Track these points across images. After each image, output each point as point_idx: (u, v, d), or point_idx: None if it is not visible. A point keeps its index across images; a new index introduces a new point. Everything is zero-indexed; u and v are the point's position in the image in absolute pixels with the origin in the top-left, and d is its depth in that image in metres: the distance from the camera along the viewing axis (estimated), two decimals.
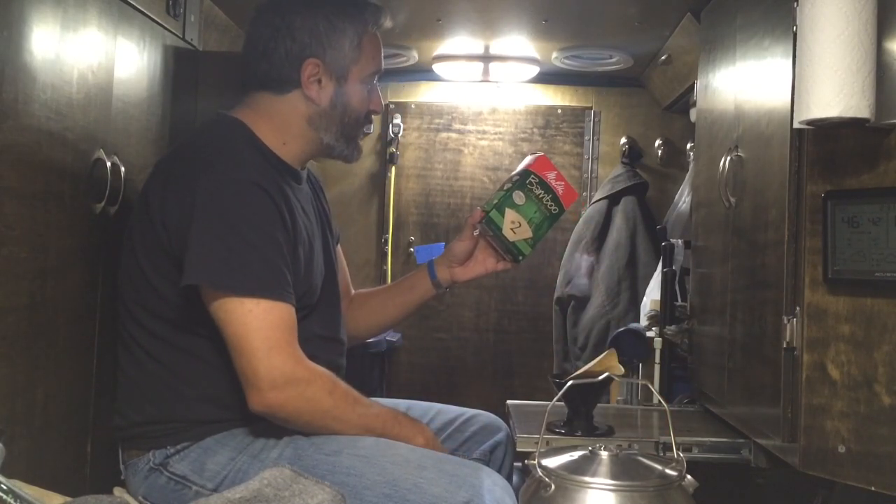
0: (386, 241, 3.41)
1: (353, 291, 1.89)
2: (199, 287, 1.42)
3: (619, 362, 1.78)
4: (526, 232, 1.76)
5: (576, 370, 1.88)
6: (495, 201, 1.76)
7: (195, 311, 1.45)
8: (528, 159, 1.83)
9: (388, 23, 1.67)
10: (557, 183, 1.79)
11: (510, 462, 1.77)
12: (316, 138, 1.62)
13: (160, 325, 1.50)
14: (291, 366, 1.41)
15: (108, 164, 1.55)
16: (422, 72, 3.21)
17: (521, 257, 1.78)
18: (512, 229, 1.75)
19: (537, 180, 1.78)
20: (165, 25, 1.86)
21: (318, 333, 1.59)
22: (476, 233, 1.80)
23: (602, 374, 1.65)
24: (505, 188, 1.78)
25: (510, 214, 1.75)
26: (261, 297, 1.40)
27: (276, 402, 1.40)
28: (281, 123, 1.59)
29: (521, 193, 1.77)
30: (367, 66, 1.62)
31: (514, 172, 1.83)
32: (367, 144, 3.43)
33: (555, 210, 1.79)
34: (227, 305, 1.40)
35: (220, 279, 1.40)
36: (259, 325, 1.39)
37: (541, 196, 1.77)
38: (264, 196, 1.46)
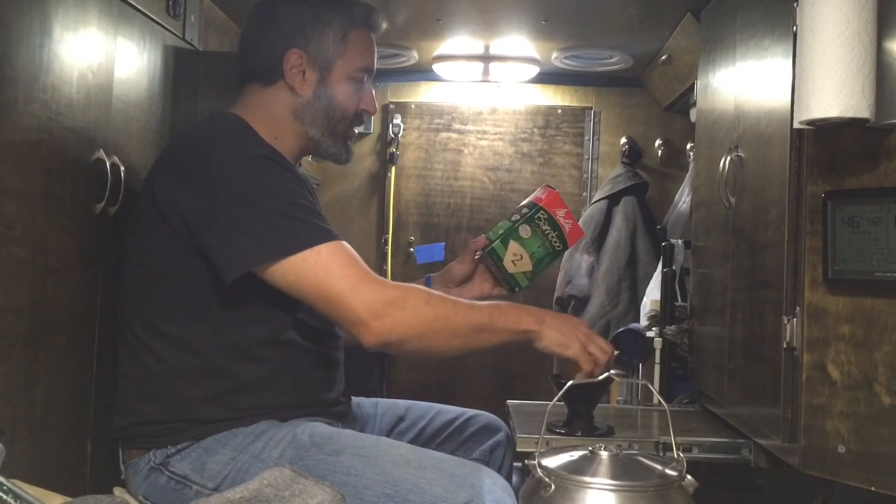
0: (386, 241, 3.41)
1: None
2: (254, 271, 1.42)
3: (619, 362, 1.78)
4: (526, 265, 1.78)
5: None
6: (501, 232, 1.77)
7: (206, 306, 1.45)
8: (538, 192, 1.84)
9: (382, 24, 1.68)
10: (566, 221, 1.80)
11: (510, 462, 1.77)
12: (303, 132, 1.63)
13: (165, 323, 1.50)
14: (381, 289, 1.42)
15: (108, 164, 1.55)
16: (422, 72, 3.21)
17: (517, 288, 1.79)
18: (513, 261, 1.77)
19: (546, 216, 1.79)
20: (165, 25, 1.86)
21: (316, 326, 1.59)
22: (476, 257, 1.81)
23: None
24: (512, 219, 1.79)
25: (513, 247, 1.76)
26: (318, 245, 1.41)
27: (386, 328, 1.41)
28: (270, 117, 1.60)
29: (528, 227, 1.78)
30: (353, 62, 1.63)
31: (523, 203, 1.84)
32: (367, 144, 3.43)
33: (558, 247, 1.80)
34: (293, 268, 1.40)
35: (272, 251, 1.41)
36: (331, 269, 1.40)
37: (546, 232, 1.78)
38: (278, 167, 1.48)
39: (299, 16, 1.59)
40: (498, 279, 1.81)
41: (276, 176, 1.47)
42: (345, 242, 1.45)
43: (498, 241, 1.76)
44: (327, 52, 1.61)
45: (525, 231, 1.77)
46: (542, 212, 1.79)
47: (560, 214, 1.79)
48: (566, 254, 3.20)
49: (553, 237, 1.78)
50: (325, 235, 1.43)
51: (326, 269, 1.40)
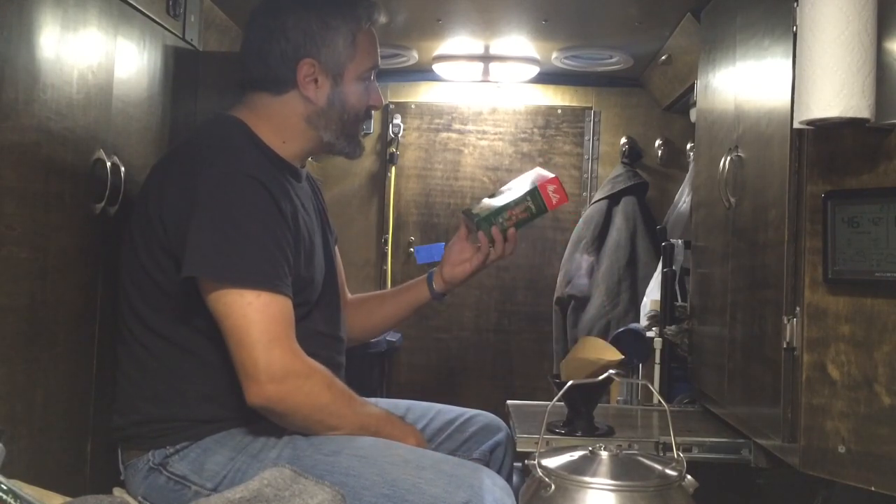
0: (386, 241, 3.41)
1: (348, 295, 1.89)
2: (199, 279, 1.42)
3: (620, 363, 1.78)
4: (490, 207, 1.80)
5: None
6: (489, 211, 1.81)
7: (195, 307, 1.45)
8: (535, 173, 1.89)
9: (382, 18, 1.67)
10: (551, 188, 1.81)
11: (510, 462, 1.77)
12: (315, 136, 1.62)
13: (160, 322, 1.50)
14: (291, 359, 1.41)
15: (108, 164, 1.55)
16: (422, 72, 3.21)
17: (476, 220, 1.78)
18: (480, 208, 1.82)
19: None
20: (165, 25, 1.86)
21: (320, 330, 1.60)
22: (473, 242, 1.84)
23: (602, 373, 1.65)
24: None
25: (485, 202, 1.83)
26: (261, 290, 1.40)
27: (276, 396, 1.39)
28: (280, 123, 1.59)
29: (503, 190, 1.85)
30: (363, 63, 1.62)
31: None
32: (367, 144, 3.42)
33: (529, 192, 1.79)
34: (226, 297, 1.40)
35: (220, 271, 1.40)
36: (259, 317, 1.39)
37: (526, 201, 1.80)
38: (262, 190, 1.46)
39: (308, 24, 1.57)
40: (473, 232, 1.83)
41: (256, 200, 1.45)
42: (286, 300, 1.44)
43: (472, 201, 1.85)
44: (339, 58, 1.59)
45: (499, 193, 1.85)
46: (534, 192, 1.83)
47: (550, 189, 1.82)
48: (566, 253, 3.21)
49: (525, 193, 1.80)
50: (272, 283, 1.42)
51: (254, 315, 1.39)
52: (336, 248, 1.81)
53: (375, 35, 1.66)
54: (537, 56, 2.99)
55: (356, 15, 1.61)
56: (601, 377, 1.62)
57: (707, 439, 1.81)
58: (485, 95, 3.40)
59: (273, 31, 1.58)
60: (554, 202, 1.80)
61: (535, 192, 1.78)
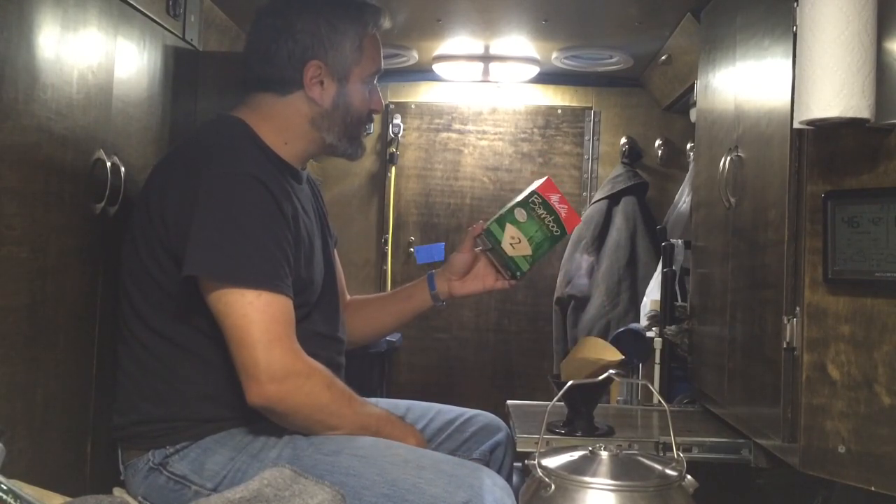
0: (386, 241, 3.41)
1: (347, 297, 1.89)
2: (199, 279, 1.42)
3: (620, 363, 1.78)
4: (525, 249, 1.77)
5: None
6: (496, 216, 1.78)
7: (195, 307, 1.45)
8: (534, 183, 1.85)
9: (387, 23, 1.68)
10: (560, 206, 1.80)
11: (510, 462, 1.77)
12: (318, 138, 1.63)
13: (161, 322, 1.50)
14: (291, 359, 1.41)
15: (108, 164, 1.55)
16: (422, 72, 3.21)
17: (518, 273, 1.78)
18: (511, 244, 1.76)
19: (540, 200, 1.79)
20: (165, 25, 1.86)
21: (319, 331, 1.60)
22: (478, 249, 1.82)
23: (602, 373, 1.65)
24: (508, 206, 1.79)
25: (510, 230, 1.76)
26: (262, 290, 1.40)
27: (276, 395, 1.39)
28: (283, 124, 1.60)
29: (524, 211, 1.78)
30: (367, 67, 1.63)
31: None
32: (368, 144, 3.41)
33: (556, 232, 1.79)
34: (227, 297, 1.40)
35: (221, 270, 1.41)
36: (260, 317, 1.39)
37: (543, 216, 1.78)
38: (264, 190, 1.46)
39: (317, 27, 1.58)
40: (499, 267, 1.81)
41: (257, 200, 1.45)
42: (287, 300, 1.44)
43: (493, 222, 1.77)
44: (345, 61, 1.60)
45: (521, 214, 1.77)
46: (535, 195, 1.79)
47: (554, 199, 1.79)
48: (566, 253, 3.21)
49: (550, 222, 1.78)
50: (273, 283, 1.42)
51: (255, 315, 1.39)
52: (335, 250, 1.81)
53: (380, 40, 1.67)
54: (537, 56, 2.99)
55: (363, 19, 1.62)
56: (601, 377, 1.61)
57: (707, 439, 1.81)
58: (485, 95, 3.40)
59: (281, 31, 1.58)
60: (570, 231, 1.86)
61: (564, 234, 1.82)
